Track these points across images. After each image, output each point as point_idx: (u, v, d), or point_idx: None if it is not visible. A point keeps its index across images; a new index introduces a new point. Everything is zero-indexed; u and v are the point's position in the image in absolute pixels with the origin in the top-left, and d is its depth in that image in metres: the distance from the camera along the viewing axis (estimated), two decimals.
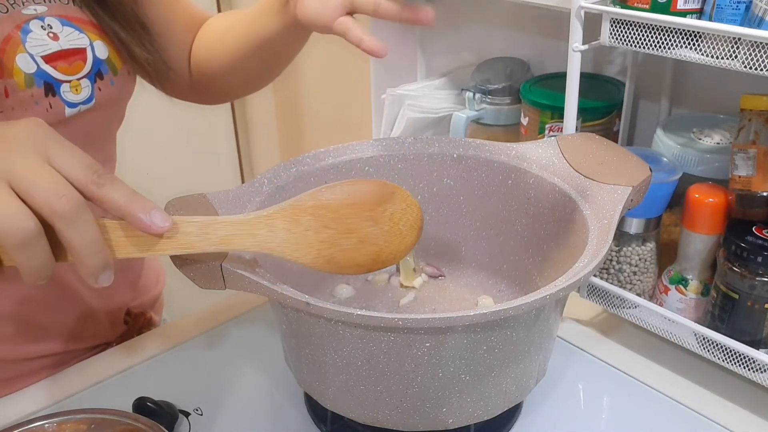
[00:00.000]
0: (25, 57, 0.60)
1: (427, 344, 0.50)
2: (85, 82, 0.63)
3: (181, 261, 0.51)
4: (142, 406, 0.60)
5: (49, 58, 0.61)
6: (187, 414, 0.64)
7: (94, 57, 0.64)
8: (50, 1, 0.63)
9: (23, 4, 0.61)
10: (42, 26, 0.61)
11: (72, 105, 0.62)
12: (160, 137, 1.57)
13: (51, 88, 0.61)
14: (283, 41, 0.71)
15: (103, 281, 0.43)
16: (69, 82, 0.62)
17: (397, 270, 0.73)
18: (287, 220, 0.50)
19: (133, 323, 0.80)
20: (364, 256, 0.53)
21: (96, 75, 0.64)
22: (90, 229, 0.42)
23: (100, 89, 0.65)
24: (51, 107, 0.61)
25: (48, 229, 0.41)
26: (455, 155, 0.69)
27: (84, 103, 0.63)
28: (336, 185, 0.53)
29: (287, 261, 0.51)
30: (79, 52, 0.63)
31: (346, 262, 0.53)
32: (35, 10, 0.62)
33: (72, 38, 0.63)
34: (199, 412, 0.64)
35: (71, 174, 0.42)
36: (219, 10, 1.66)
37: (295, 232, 0.51)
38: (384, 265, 0.54)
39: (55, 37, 0.62)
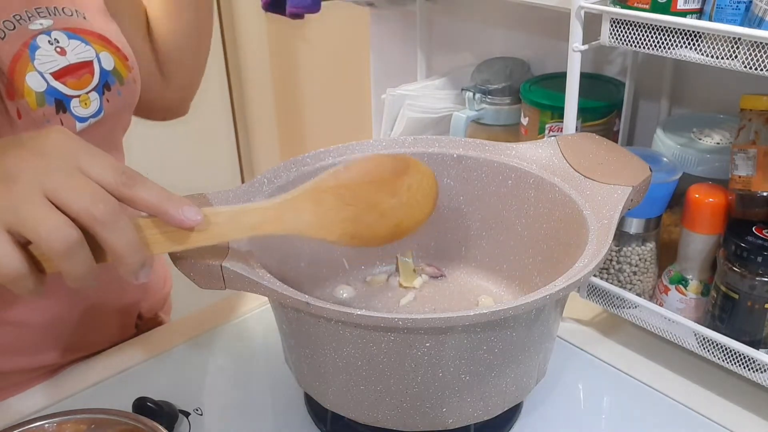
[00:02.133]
0: (35, 75, 0.59)
1: (427, 344, 0.50)
2: (94, 95, 0.63)
3: (180, 261, 0.51)
4: (142, 406, 0.60)
5: (58, 74, 0.61)
6: (187, 414, 0.64)
7: (101, 69, 0.64)
8: (55, 14, 0.63)
9: (29, 19, 0.61)
10: (49, 41, 0.61)
11: (82, 119, 0.62)
12: (160, 137, 1.57)
13: (62, 104, 0.61)
14: None
15: (143, 278, 0.45)
16: (78, 96, 0.62)
17: (397, 270, 0.73)
18: (311, 202, 0.52)
19: (144, 327, 0.80)
20: (385, 229, 0.55)
21: (104, 87, 0.64)
22: (128, 230, 0.43)
23: (108, 101, 0.65)
24: (62, 124, 0.61)
25: (86, 233, 0.42)
26: (455, 155, 0.69)
27: (93, 116, 0.63)
28: (354, 163, 0.54)
29: (313, 240, 0.53)
30: (87, 65, 0.63)
31: (369, 237, 0.54)
32: (41, 24, 0.61)
33: (79, 51, 0.63)
34: (199, 412, 0.64)
35: (103, 179, 0.43)
36: (219, 13, 1.66)
37: (318, 212, 0.52)
38: (405, 234, 0.56)
39: (63, 52, 0.61)
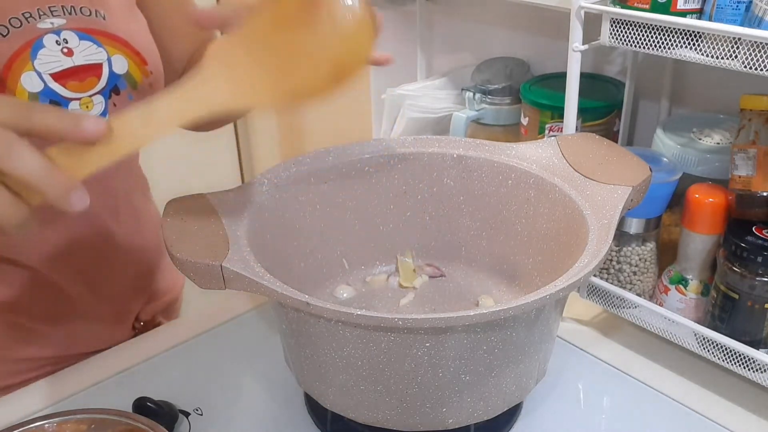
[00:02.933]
0: (31, 75, 0.58)
1: (427, 344, 0.50)
2: (98, 99, 0.62)
3: (180, 261, 0.51)
4: (142, 406, 0.60)
5: (58, 76, 0.60)
6: (187, 414, 0.64)
7: (110, 72, 0.63)
8: (70, 14, 0.61)
9: (40, 17, 0.60)
10: (57, 41, 0.60)
11: None
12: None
13: (58, 106, 0.60)
14: None
15: (77, 204, 0.43)
16: (78, 99, 0.61)
17: (397, 270, 0.73)
18: (221, 66, 0.46)
19: (142, 330, 0.79)
20: (323, 72, 0.46)
21: (111, 91, 0.63)
22: (28, 156, 0.42)
23: (115, 105, 0.63)
24: None
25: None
26: (455, 155, 0.69)
27: None
28: (254, 7, 0.47)
29: (249, 111, 0.48)
30: (94, 68, 0.62)
31: (308, 87, 0.47)
32: (52, 23, 0.60)
33: (88, 53, 0.61)
34: (199, 412, 0.64)
35: None
36: None
37: (235, 77, 0.46)
38: (351, 72, 0.47)
39: (70, 53, 0.60)
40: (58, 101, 0.60)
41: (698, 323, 0.65)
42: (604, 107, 0.81)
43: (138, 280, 0.77)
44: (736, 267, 0.61)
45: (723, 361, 0.63)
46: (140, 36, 0.67)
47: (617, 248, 0.71)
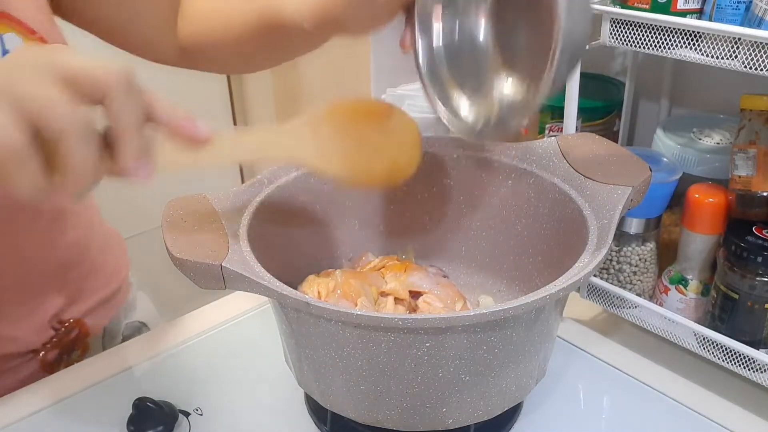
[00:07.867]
0: None
1: (427, 344, 0.50)
2: None
3: (181, 261, 0.51)
4: (142, 406, 0.60)
5: None
6: (187, 414, 0.64)
7: (4, 51, 0.57)
8: None
9: None
10: None
11: None
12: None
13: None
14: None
15: (81, 200, 0.42)
16: None
17: None
18: (310, 130, 0.53)
19: (65, 332, 0.72)
20: (381, 165, 0.56)
21: None
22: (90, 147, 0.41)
23: None
24: None
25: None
26: (455, 155, 0.69)
27: None
28: (339, 102, 0.56)
29: (317, 172, 0.55)
30: None
31: (366, 172, 0.56)
32: None
33: None
34: (199, 412, 0.64)
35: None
36: None
37: (317, 142, 0.53)
38: (399, 178, 0.58)
39: None
40: None
41: (698, 323, 0.65)
42: (604, 107, 0.81)
43: (54, 279, 0.71)
44: (736, 267, 0.61)
45: (723, 361, 0.63)
46: (29, 10, 0.61)
47: (617, 248, 0.71)
